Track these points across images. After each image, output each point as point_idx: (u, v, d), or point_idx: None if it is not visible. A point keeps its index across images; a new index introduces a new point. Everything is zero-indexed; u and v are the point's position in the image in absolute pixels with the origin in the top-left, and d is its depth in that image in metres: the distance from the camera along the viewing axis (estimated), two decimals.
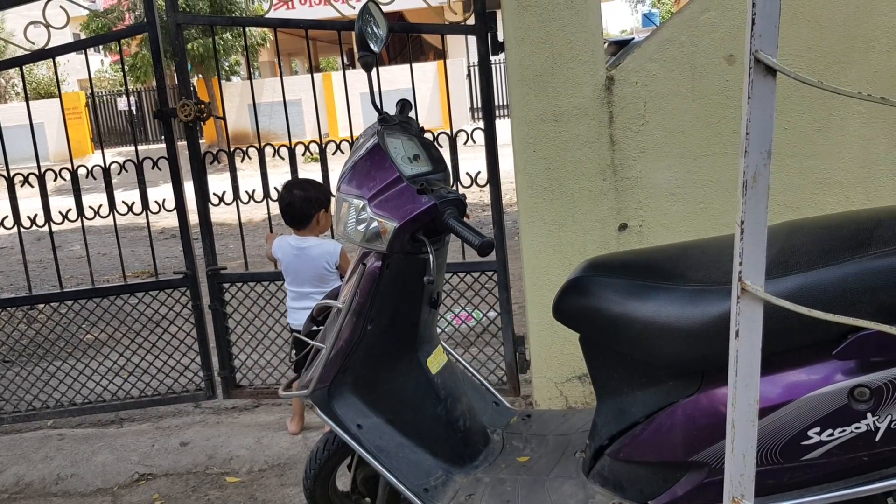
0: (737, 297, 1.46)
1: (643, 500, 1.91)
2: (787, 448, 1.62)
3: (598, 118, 3.05)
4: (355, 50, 2.25)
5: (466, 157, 3.59)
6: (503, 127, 3.33)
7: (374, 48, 2.20)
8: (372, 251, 2.12)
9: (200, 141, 3.72)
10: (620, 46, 8.71)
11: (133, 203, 3.75)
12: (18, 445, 3.65)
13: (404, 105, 2.36)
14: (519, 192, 3.18)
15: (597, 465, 2.07)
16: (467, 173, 3.42)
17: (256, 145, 3.64)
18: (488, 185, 3.39)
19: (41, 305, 4.24)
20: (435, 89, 19.72)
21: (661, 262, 1.97)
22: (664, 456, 1.86)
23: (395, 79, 7.32)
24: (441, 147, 3.48)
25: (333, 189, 2.31)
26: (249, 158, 3.75)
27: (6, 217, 3.72)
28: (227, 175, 3.72)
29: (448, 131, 3.47)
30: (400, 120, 2.27)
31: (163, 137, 3.72)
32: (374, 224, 2.05)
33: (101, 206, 3.72)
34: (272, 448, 3.36)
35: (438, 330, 3.71)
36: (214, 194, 3.72)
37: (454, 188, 2.27)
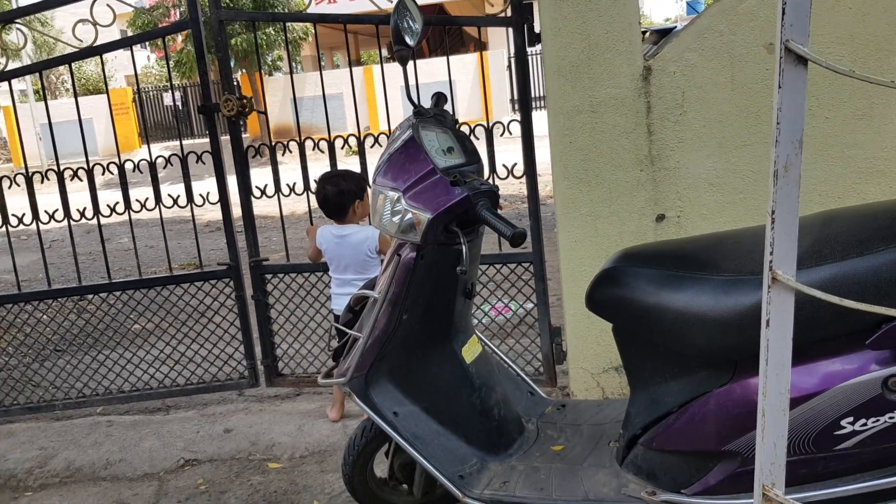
0: (768, 286, 1.46)
1: (676, 489, 1.92)
2: (820, 438, 1.62)
3: (636, 108, 3.04)
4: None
5: (507, 149, 3.60)
6: (541, 118, 3.34)
7: (410, 42, 2.23)
8: (407, 242, 2.16)
9: (245, 135, 3.80)
10: (662, 35, 8.61)
11: (178, 196, 3.84)
12: (69, 431, 3.78)
13: (439, 98, 2.40)
14: (555, 183, 3.18)
15: (630, 455, 2.08)
16: (503, 165, 3.43)
17: (298, 139, 3.71)
18: (525, 177, 3.40)
19: (91, 296, 4.39)
20: (475, 81, 19.69)
21: (695, 252, 1.98)
22: (697, 445, 1.86)
23: (435, 71, 7.33)
24: (478, 139, 3.53)
25: (370, 181, 2.35)
26: (290, 152, 3.82)
27: (56, 210, 3.84)
28: (271, 168, 3.79)
29: (484, 123, 3.48)
30: (435, 113, 2.30)
31: (207, 132, 3.80)
32: (409, 216, 2.09)
33: (147, 199, 3.83)
34: (313, 435, 3.43)
35: (475, 321, 3.76)
36: (257, 187, 3.79)
37: (488, 180, 2.29)
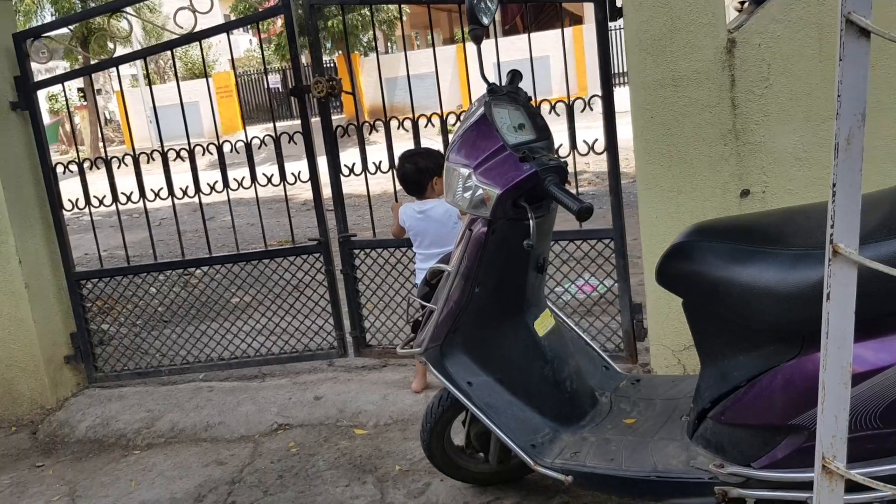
0: (829, 259, 1.46)
1: (744, 463, 1.93)
2: (888, 413, 1.60)
3: (719, 82, 2.99)
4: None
5: (594, 126, 3.58)
6: (625, 94, 3.32)
7: (485, 21, 2.28)
8: (478, 217, 2.22)
9: (342, 115, 3.94)
10: (760, 4, 8.26)
11: (272, 175, 4.03)
12: (174, 396, 4.05)
13: (514, 75, 2.43)
14: (637, 158, 3.17)
15: (700, 428, 2.09)
16: (584, 141, 3.44)
17: (383, 119, 3.82)
18: (606, 153, 3.39)
19: (195, 270, 4.66)
20: (569, 56, 19.37)
21: (766, 227, 1.96)
22: (765, 419, 1.87)
23: (526, 47, 7.27)
24: (558, 116, 3.54)
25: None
26: (377, 131, 3.93)
27: (161, 188, 4.09)
28: (358, 147, 3.92)
29: (565, 100, 3.49)
30: (508, 90, 2.34)
31: (315, 112, 3.96)
32: (479, 191, 2.15)
33: (243, 178, 4.03)
34: (397, 404, 3.56)
35: (556, 297, 3.79)
36: (345, 165, 3.92)
37: (567, 156, 2.32)
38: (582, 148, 3.49)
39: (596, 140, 3.45)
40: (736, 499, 1.96)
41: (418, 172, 3.34)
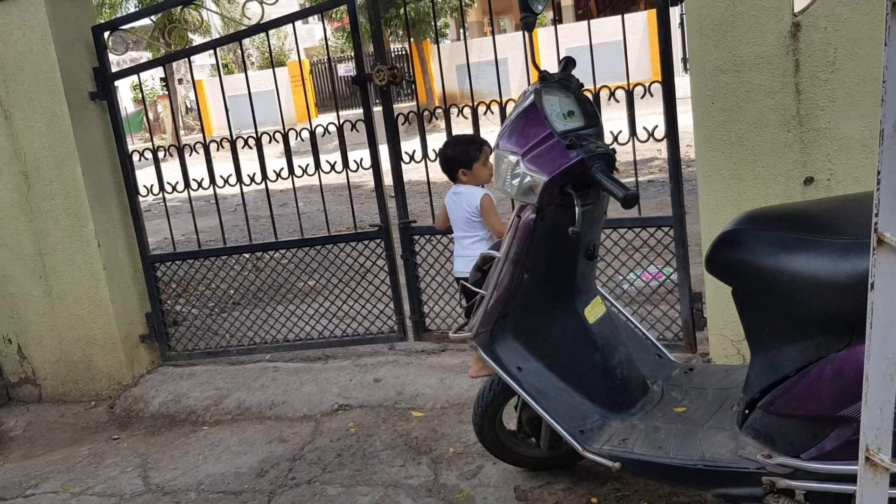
0: (873, 248, 1.43)
1: (793, 454, 1.90)
2: None
3: (783, 67, 2.92)
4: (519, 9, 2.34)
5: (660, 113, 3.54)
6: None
7: (538, 8, 2.29)
8: (527, 204, 2.24)
9: (412, 103, 4.00)
10: None
11: (335, 163, 4.12)
12: (241, 375, 4.20)
13: (567, 62, 2.43)
14: (697, 145, 3.13)
15: (749, 418, 2.07)
16: (644, 128, 3.40)
17: (443, 107, 3.85)
18: (665, 139, 3.35)
19: (263, 254, 4.81)
20: (644, 40, 19.04)
21: (819, 215, 1.92)
22: (814, 410, 1.84)
23: (603, 31, 7.16)
24: (618, 102, 3.51)
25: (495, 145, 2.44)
26: (437, 119, 3.97)
27: (230, 175, 4.24)
28: (419, 135, 3.97)
29: (625, 86, 3.45)
30: (559, 77, 2.35)
31: (378, 101, 4.03)
32: (528, 178, 2.17)
33: (308, 164, 4.14)
34: (453, 389, 3.62)
35: (622, 287, 3.77)
36: (405, 153, 3.99)
37: (608, 144, 2.32)
38: (642, 135, 3.45)
39: (656, 127, 3.41)
40: (783, 490, 1.93)
41: (446, 161, 3.43)
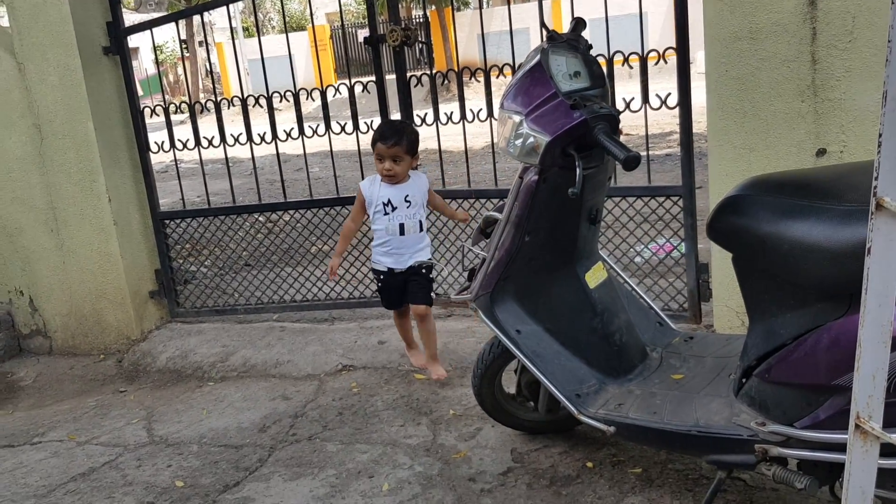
0: (872, 213, 1.41)
1: (787, 422, 1.90)
2: None
3: (799, 35, 2.86)
4: None
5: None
6: None
7: None
8: (530, 166, 2.22)
9: (435, 70, 3.96)
10: None
11: (345, 124, 4.10)
12: (248, 333, 4.23)
13: (577, 23, 2.40)
14: (709, 114, 3.08)
15: (745, 386, 2.06)
16: (657, 95, 3.36)
17: (456, 70, 3.82)
18: (678, 107, 3.30)
19: (272, 215, 4.82)
20: (669, 10, 18.72)
21: (823, 182, 1.89)
22: (809, 378, 1.83)
23: (626, 3, 7.01)
24: (632, 68, 3.46)
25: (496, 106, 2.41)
26: (449, 81, 3.94)
27: (241, 134, 4.23)
28: (431, 99, 3.94)
29: (640, 52, 3.40)
30: (568, 38, 2.31)
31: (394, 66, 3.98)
32: (531, 139, 2.14)
33: (318, 125, 4.12)
34: (457, 352, 3.63)
35: (640, 260, 3.73)
36: (417, 115, 3.96)
37: (614, 106, 2.29)
38: (654, 103, 3.40)
39: (669, 94, 3.36)
40: (776, 457, 1.93)
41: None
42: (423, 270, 3.33)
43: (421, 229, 3.32)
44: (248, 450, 3.03)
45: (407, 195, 3.27)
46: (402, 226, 3.27)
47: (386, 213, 3.27)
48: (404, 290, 3.36)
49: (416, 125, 3.94)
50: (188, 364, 4.05)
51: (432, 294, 3.40)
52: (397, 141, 3.17)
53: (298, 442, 3.05)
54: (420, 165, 3.66)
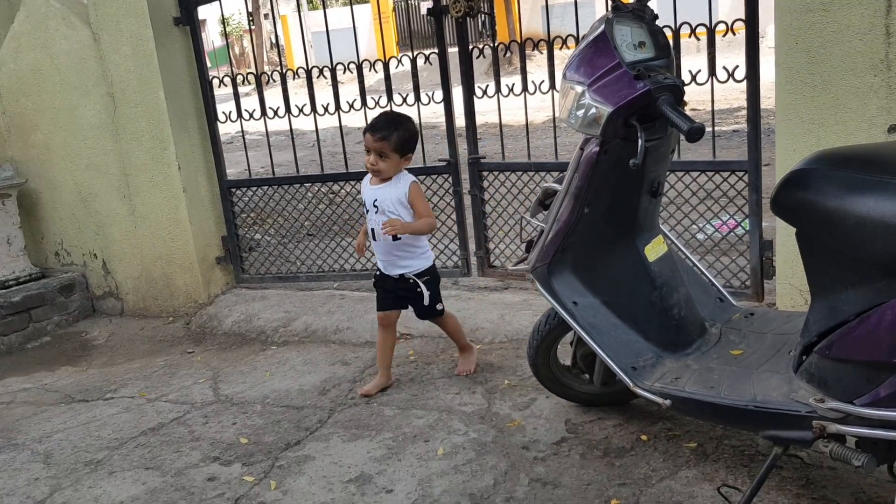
0: None
1: (846, 399, 1.87)
2: None
3: (874, 7, 2.77)
4: None
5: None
6: None
7: None
8: (592, 137, 2.22)
9: (498, 43, 3.95)
10: None
11: (407, 95, 4.13)
12: (309, 300, 4.34)
13: None
14: (777, 87, 3.02)
15: (805, 362, 2.04)
16: (724, 68, 3.29)
17: (518, 42, 3.81)
18: (746, 81, 3.24)
19: (333, 185, 4.91)
20: None
21: (891, 157, 1.85)
22: (870, 356, 1.80)
23: None
24: (699, 40, 3.40)
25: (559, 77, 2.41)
26: (511, 53, 3.93)
27: (304, 105, 4.31)
28: (493, 70, 3.94)
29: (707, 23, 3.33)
30: (633, 7, 2.29)
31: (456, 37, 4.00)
32: (592, 110, 2.14)
33: (379, 97, 4.17)
34: (513, 324, 3.66)
35: (703, 236, 3.68)
36: (478, 87, 3.97)
37: (677, 76, 2.26)
38: (721, 75, 3.34)
39: (736, 67, 3.29)
40: (834, 434, 1.91)
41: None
42: (411, 282, 3.13)
43: (395, 238, 3.06)
44: (308, 411, 3.13)
45: (376, 200, 3.07)
46: (373, 231, 3.11)
47: (367, 213, 3.14)
48: (396, 298, 3.19)
49: (477, 97, 3.96)
50: (252, 328, 4.18)
51: (438, 306, 3.18)
52: (385, 135, 2.96)
53: (357, 405, 3.13)
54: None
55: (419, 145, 4.37)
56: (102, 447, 3.03)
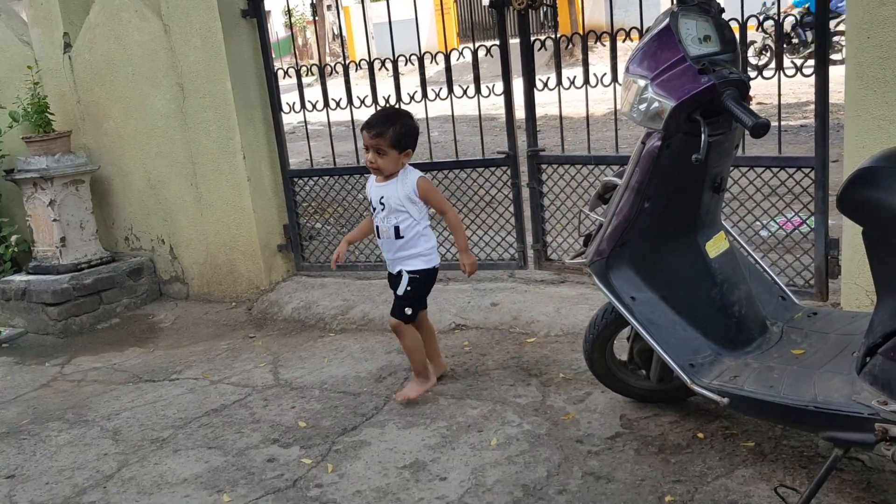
0: None
1: None
2: None
3: None
4: None
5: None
6: None
7: None
8: (654, 131, 2.20)
9: (560, 34, 3.94)
10: None
11: (467, 87, 4.15)
12: (367, 289, 4.40)
13: None
14: (847, 82, 2.95)
15: (868, 364, 2.01)
16: (792, 61, 3.22)
17: (581, 34, 3.79)
18: (814, 75, 3.16)
19: None
20: None
21: None
22: None
23: None
24: (768, 36, 3.32)
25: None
26: (573, 45, 3.92)
27: (366, 96, 4.36)
28: (554, 62, 3.93)
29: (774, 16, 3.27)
30: (699, 1, 2.27)
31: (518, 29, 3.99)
32: (655, 104, 2.13)
33: (440, 89, 4.19)
34: (569, 318, 3.65)
35: (766, 234, 3.61)
36: (539, 79, 3.96)
37: (743, 71, 2.22)
38: (789, 69, 3.27)
39: (805, 61, 3.21)
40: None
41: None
42: (401, 275, 3.07)
43: (398, 236, 3.01)
44: (365, 397, 3.19)
45: (382, 197, 3.02)
46: (378, 228, 3.08)
47: (374, 211, 3.10)
48: None
49: (537, 89, 3.96)
50: (311, 315, 4.27)
51: (406, 310, 3.05)
52: (381, 132, 2.90)
53: None
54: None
55: (476, 139, 4.40)
56: (167, 426, 3.14)
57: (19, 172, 4.75)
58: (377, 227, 3.09)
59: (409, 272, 3.05)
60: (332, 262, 3.19)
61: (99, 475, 2.80)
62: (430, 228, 3.15)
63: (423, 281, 3.09)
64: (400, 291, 3.06)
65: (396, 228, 3.01)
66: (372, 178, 3.11)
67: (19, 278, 4.84)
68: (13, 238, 4.92)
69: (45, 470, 2.89)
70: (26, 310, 4.71)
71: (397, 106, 4.29)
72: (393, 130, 2.91)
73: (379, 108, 4.35)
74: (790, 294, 2.60)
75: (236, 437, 2.97)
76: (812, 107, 3.35)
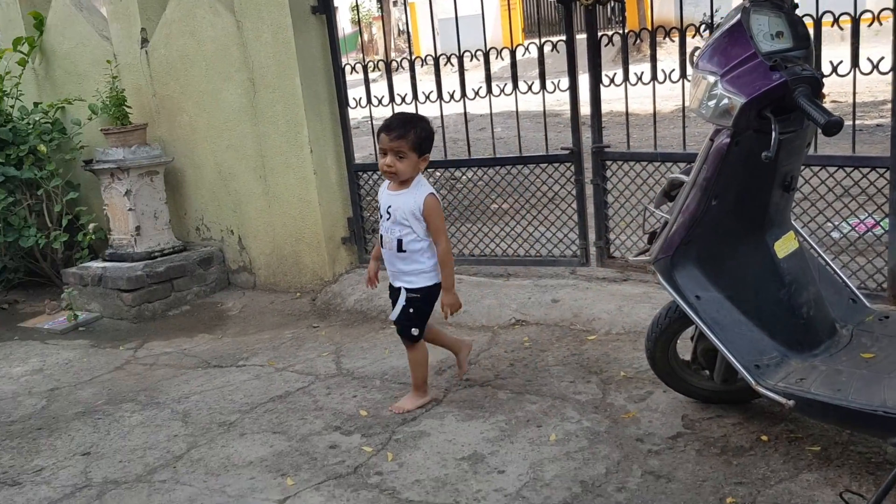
0: None
1: None
2: None
3: None
4: None
5: None
6: None
7: None
8: (723, 128, 2.18)
9: (627, 30, 3.91)
10: None
11: (532, 83, 4.15)
12: None
13: None
14: None
15: None
16: (868, 59, 3.13)
17: (649, 30, 3.75)
18: (892, 72, 3.07)
19: (455, 172, 4.99)
20: None
21: None
22: None
23: None
24: (843, 30, 3.25)
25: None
26: (641, 41, 3.89)
27: (431, 91, 4.40)
28: (621, 58, 3.90)
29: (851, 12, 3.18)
30: None
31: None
32: (725, 100, 2.10)
33: (505, 84, 4.20)
34: (631, 317, 3.63)
35: (837, 235, 3.53)
36: (606, 75, 3.94)
37: (815, 68, 2.17)
38: (865, 67, 3.18)
39: (882, 59, 3.12)
40: None
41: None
42: (401, 290, 3.02)
43: (400, 248, 2.95)
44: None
45: (390, 206, 2.96)
46: (381, 237, 3.03)
47: (380, 219, 3.05)
48: None
49: (603, 85, 3.93)
50: (373, 307, 4.33)
51: (413, 331, 3.02)
52: (402, 134, 2.83)
53: (471, 387, 3.20)
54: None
55: (539, 135, 4.39)
56: (234, 410, 3.24)
57: (97, 163, 4.94)
58: (381, 237, 3.03)
59: (408, 290, 3.00)
60: (367, 282, 3.17)
61: (169, 455, 2.91)
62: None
63: (425, 299, 3.03)
64: (398, 310, 3.03)
65: (399, 241, 2.95)
66: (385, 184, 3.04)
67: (96, 265, 5.04)
68: (91, 226, 5.12)
69: (118, 448, 3.02)
70: (102, 295, 4.90)
71: (459, 101, 4.33)
72: (414, 133, 2.85)
73: (440, 103, 4.39)
74: (861, 297, 2.54)
75: (300, 423, 3.05)
76: (889, 105, 3.25)
